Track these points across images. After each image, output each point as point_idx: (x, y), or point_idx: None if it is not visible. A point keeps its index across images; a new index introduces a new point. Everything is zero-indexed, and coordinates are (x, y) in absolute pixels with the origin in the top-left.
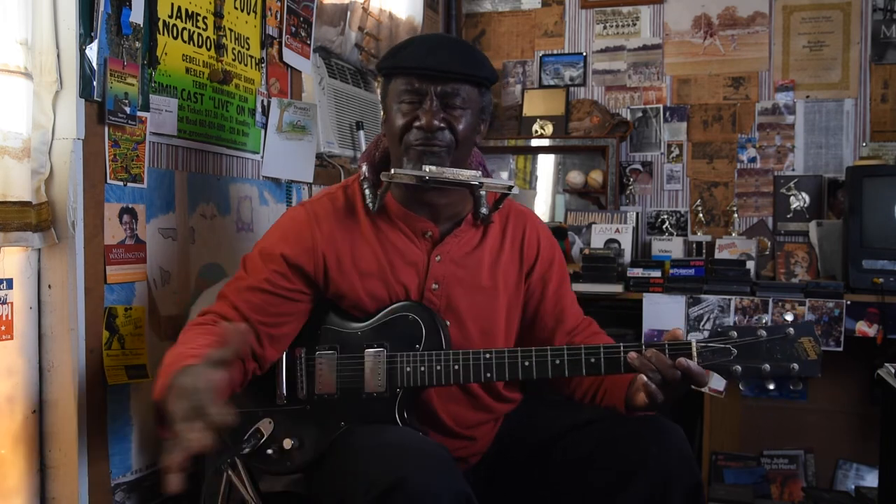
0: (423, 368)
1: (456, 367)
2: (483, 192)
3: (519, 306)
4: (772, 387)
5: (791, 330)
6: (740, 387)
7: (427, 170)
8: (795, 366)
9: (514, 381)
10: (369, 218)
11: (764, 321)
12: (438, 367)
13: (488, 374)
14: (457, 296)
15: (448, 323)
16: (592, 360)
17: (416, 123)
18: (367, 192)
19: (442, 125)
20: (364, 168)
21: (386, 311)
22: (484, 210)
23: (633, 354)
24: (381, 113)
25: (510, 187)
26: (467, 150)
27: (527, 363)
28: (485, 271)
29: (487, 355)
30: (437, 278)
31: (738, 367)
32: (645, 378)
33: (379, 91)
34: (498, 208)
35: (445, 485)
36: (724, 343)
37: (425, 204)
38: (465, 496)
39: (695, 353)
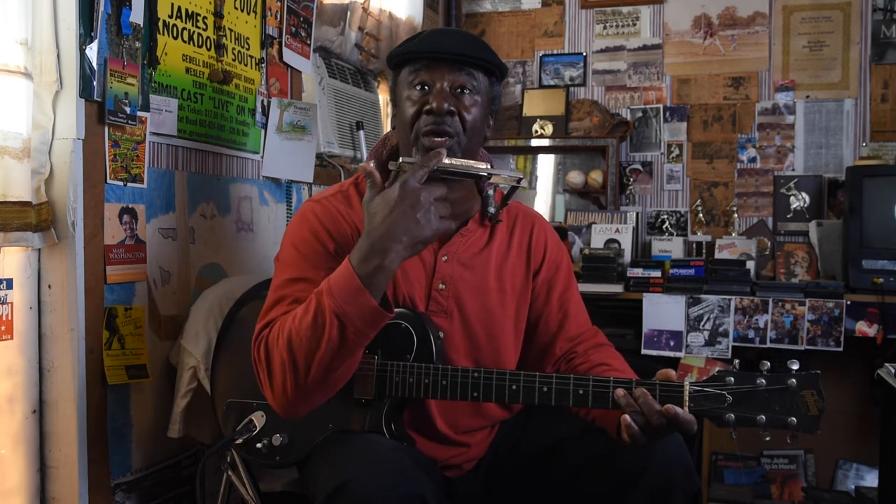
0: (411, 380)
1: (444, 382)
2: (491, 192)
3: (526, 309)
4: (767, 439)
5: (793, 381)
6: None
7: None
8: (793, 420)
9: (500, 402)
10: None
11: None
12: (426, 381)
13: (475, 394)
14: (464, 297)
15: (442, 335)
16: (581, 391)
17: (427, 107)
18: None
19: (452, 109)
20: (372, 165)
21: None
22: (491, 209)
23: (619, 392)
24: (391, 108)
25: (519, 180)
26: (477, 141)
27: (514, 387)
28: (492, 274)
29: (476, 374)
30: (443, 278)
31: (732, 416)
32: (629, 419)
33: (389, 86)
34: (507, 204)
35: (392, 486)
36: (719, 388)
37: None
38: (416, 497)
39: (686, 398)
